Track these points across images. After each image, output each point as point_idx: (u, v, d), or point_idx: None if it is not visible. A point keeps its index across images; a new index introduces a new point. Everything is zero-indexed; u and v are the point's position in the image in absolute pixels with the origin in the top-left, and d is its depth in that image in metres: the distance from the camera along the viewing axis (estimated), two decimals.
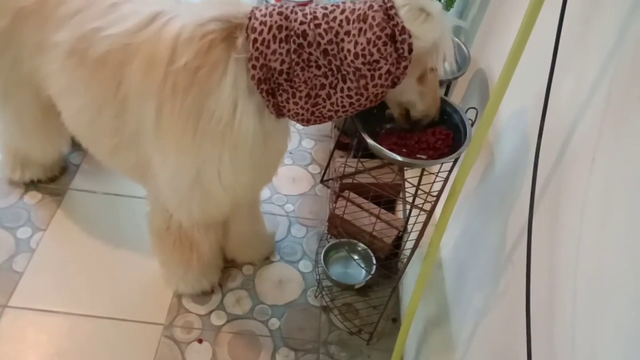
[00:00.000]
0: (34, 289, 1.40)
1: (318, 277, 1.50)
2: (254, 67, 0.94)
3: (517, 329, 0.88)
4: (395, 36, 0.91)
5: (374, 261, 1.49)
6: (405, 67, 0.93)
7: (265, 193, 1.71)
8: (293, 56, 0.94)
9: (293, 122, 1.05)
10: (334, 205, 1.52)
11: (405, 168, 1.56)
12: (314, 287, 1.50)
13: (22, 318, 1.34)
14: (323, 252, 1.49)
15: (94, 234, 1.53)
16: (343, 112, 0.98)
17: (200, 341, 1.35)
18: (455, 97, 1.42)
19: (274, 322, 1.42)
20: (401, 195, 1.61)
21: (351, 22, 0.92)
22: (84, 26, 1.05)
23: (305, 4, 2.35)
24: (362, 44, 0.91)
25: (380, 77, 0.92)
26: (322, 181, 1.67)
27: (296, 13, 0.94)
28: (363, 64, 0.92)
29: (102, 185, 1.66)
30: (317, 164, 1.85)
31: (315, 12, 0.94)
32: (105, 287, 1.42)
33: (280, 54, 0.93)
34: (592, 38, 0.79)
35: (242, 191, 1.13)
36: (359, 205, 1.54)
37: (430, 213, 1.08)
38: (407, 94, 1.00)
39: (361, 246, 1.52)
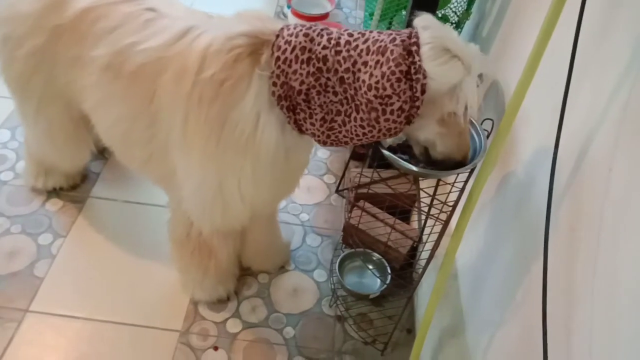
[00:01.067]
0: (55, 295, 1.42)
1: (333, 287, 1.51)
2: (274, 84, 0.96)
3: (534, 341, 0.88)
4: (410, 74, 0.88)
5: (389, 271, 1.49)
6: (418, 107, 0.90)
7: (281, 202, 1.73)
8: (311, 79, 0.94)
9: None
10: (349, 214, 1.53)
11: (420, 178, 1.57)
12: (329, 296, 1.51)
13: (43, 323, 1.36)
14: (338, 261, 1.50)
15: (114, 241, 1.56)
16: (358, 140, 0.98)
17: (215, 348, 1.36)
18: None
19: (289, 331, 1.42)
20: (416, 205, 1.61)
21: (371, 52, 0.91)
22: (120, 42, 1.09)
23: (321, 18, 2.38)
24: (376, 76, 0.89)
25: (392, 112, 0.90)
26: (337, 191, 1.68)
27: (322, 36, 0.94)
28: (375, 97, 0.90)
29: (122, 193, 1.69)
30: (332, 174, 1.86)
31: (340, 37, 0.94)
32: (123, 294, 1.45)
33: (301, 74, 0.94)
34: (608, 50, 0.80)
35: (262, 203, 1.15)
36: (374, 215, 1.55)
37: (446, 223, 1.08)
38: (425, 133, 0.97)
39: (376, 256, 1.52)
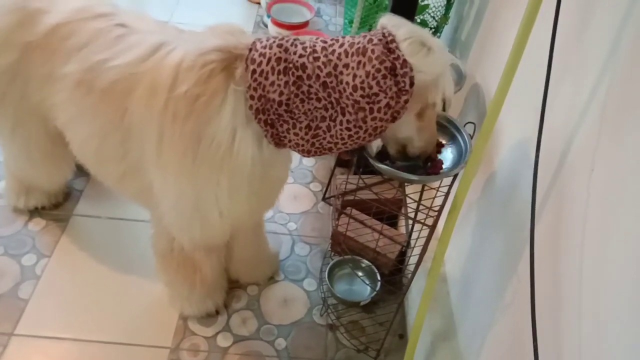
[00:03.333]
0: (40, 316, 1.39)
1: (323, 295, 1.50)
2: (252, 97, 0.96)
3: (524, 340, 0.88)
4: (395, 69, 0.90)
5: (379, 277, 1.49)
6: (406, 102, 0.92)
7: (267, 213, 1.72)
8: (292, 88, 0.94)
9: None
10: (337, 222, 1.53)
11: (406, 184, 1.57)
12: (320, 305, 1.50)
13: (29, 346, 1.34)
14: (327, 269, 1.49)
15: (99, 259, 1.54)
16: (342, 144, 0.98)
17: None
18: (453, 112, 1.43)
19: (281, 342, 1.41)
20: (403, 211, 1.61)
21: (350, 55, 0.92)
22: (91, 58, 1.08)
23: (301, 27, 2.38)
24: (360, 76, 0.91)
25: (379, 110, 0.92)
26: (324, 199, 1.68)
27: (296, 46, 0.95)
28: (362, 96, 0.91)
29: (106, 210, 1.67)
30: (319, 182, 1.86)
31: (314, 45, 0.95)
32: (111, 312, 1.42)
33: (279, 85, 0.94)
34: (585, 50, 0.81)
35: (240, 217, 1.15)
36: (361, 222, 1.55)
37: (432, 228, 1.09)
38: (405, 130, 0.99)
39: (365, 262, 1.52)
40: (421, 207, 1.18)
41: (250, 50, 0.97)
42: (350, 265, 1.53)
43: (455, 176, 1.04)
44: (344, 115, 0.95)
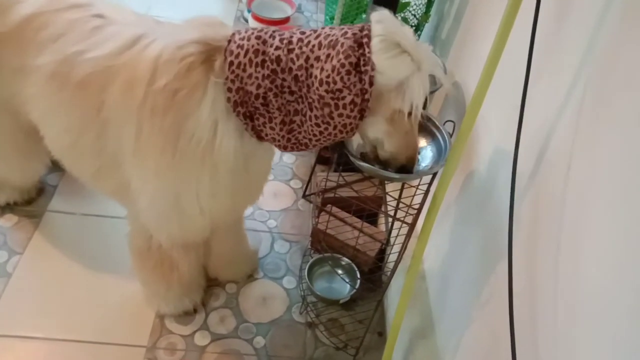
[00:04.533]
0: (12, 315, 1.36)
1: (302, 293, 1.49)
2: (229, 90, 0.94)
3: (502, 338, 0.88)
4: (359, 66, 0.86)
5: (358, 275, 1.49)
6: (368, 100, 0.87)
7: (247, 210, 1.70)
8: (267, 82, 0.92)
9: None
10: (317, 219, 1.52)
11: (386, 182, 1.57)
12: (299, 303, 1.49)
13: (0, 346, 1.30)
14: (307, 267, 1.49)
15: (73, 257, 1.50)
16: (317, 140, 0.95)
17: None
18: (432, 110, 1.44)
19: (259, 341, 1.40)
20: (383, 209, 1.61)
21: (322, 47, 0.89)
22: (66, 50, 1.04)
23: (282, 22, 2.36)
24: (327, 70, 0.87)
25: (344, 107, 0.88)
26: (304, 196, 1.67)
27: (274, 38, 0.93)
28: (327, 91, 0.88)
29: (81, 207, 1.63)
30: (299, 179, 1.85)
31: (292, 36, 0.92)
32: (85, 311, 1.39)
33: (257, 78, 0.92)
34: (563, 49, 0.81)
35: (222, 213, 1.13)
36: (341, 219, 1.54)
37: (412, 226, 1.09)
38: (374, 131, 0.94)
39: (345, 260, 1.52)
40: (401, 205, 1.18)
41: (229, 42, 0.94)
42: (330, 263, 1.53)
43: (434, 174, 1.04)
44: (311, 110, 0.91)
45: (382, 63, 0.85)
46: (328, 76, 0.87)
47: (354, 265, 1.50)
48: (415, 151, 0.97)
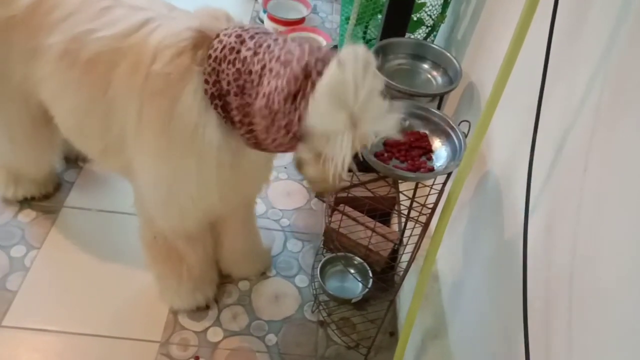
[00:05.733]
0: (29, 308, 1.38)
1: (315, 292, 1.50)
2: (206, 81, 0.95)
3: (515, 339, 0.88)
4: (297, 98, 0.84)
5: (371, 275, 1.49)
6: (298, 131, 0.86)
7: (260, 208, 1.71)
8: (232, 80, 0.91)
9: None
10: (330, 219, 1.52)
11: (399, 181, 1.57)
12: (311, 301, 1.50)
13: (16, 338, 1.32)
14: (319, 266, 1.49)
15: (89, 252, 1.52)
16: (273, 147, 0.94)
17: (197, 358, 1.34)
18: (448, 110, 1.44)
19: (271, 338, 1.41)
20: (396, 208, 1.61)
21: (279, 61, 0.87)
22: (76, 28, 1.06)
23: (297, 23, 2.37)
24: (271, 87, 0.86)
25: (278, 128, 0.88)
26: (317, 195, 1.67)
27: (252, 39, 0.92)
28: (265, 106, 0.87)
29: (97, 203, 1.65)
30: None
31: (265, 40, 0.92)
32: (100, 305, 1.41)
33: (227, 74, 0.92)
34: (580, 50, 0.81)
35: (212, 205, 1.13)
36: (354, 219, 1.54)
37: (426, 225, 1.09)
38: (302, 152, 0.93)
39: (357, 260, 1.52)
40: (414, 204, 1.18)
41: (217, 35, 0.95)
42: (343, 262, 1.53)
43: (449, 174, 1.04)
44: (254, 117, 0.92)
45: (315, 109, 0.81)
46: (270, 93, 0.87)
47: (367, 265, 1.50)
48: (328, 184, 0.93)
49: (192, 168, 1.03)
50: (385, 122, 0.83)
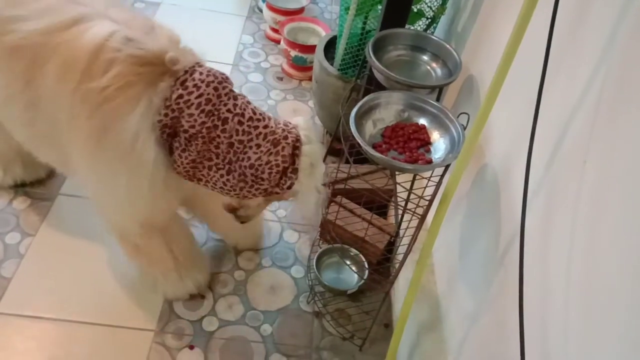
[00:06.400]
0: (23, 295, 1.38)
1: (310, 283, 1.50)
2: (166, 115, 0.98)
3: (510, 333, 0.88)
4: (287, 172, 1.06)
5: (366, 266, 1.49)
6: (278, 193, 1.08)
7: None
8: (203, 129, 1.00)
9: None
10: (326, 210, 1.52)
11: (397, 173, 1.57)
12: (306, 292, 1.50)
13: (11, 325, 1.32)
14: (315, 257, 1.49)
15: (84, 239, 1.52)
16: (212, 188, 1.08)
17: (191, 347, 1.34)
18: (447, 102, 1.43)
19: (266, 328, 1.41)
20: (393, 200, 1.61)
21: (266, 140, 1.03)
22: (4, 10, 1.01)
23: (296, 13, 2.35)
24: (262, 161, 1.03)
25: (257, 190, 1.07)
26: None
27: (229, 98, 1.01)
28: (252, 174, 1.05)
29: None
30: None
31: (245, 110, 1.03)
32: (95, 293, 1.41)
33: (195, 120, 0.99)
34: (581, 43, 0.80)
35: (146, 212, 1.15)
36: (351, 211, 1.55)
37: (422, 217, 1.09)
38: (252, 202, 1.14)
39: (353, 251, 1.52)
40: (412, 196, 1.18)
41: (187, 73, 0.98)
42: (339, 254, 1.53)
43: (447, 166, 1.04)
44: (228, 174, 1.05)
45: (302, 177, 1.07)
46: (260, 165, 1.04)
47: (362, 257, 1.50)
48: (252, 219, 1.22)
49: (121, 178, 1.04)
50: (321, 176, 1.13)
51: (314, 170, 1.07)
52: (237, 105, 1.02)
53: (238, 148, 1.02)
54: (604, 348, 0.64)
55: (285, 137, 1.04)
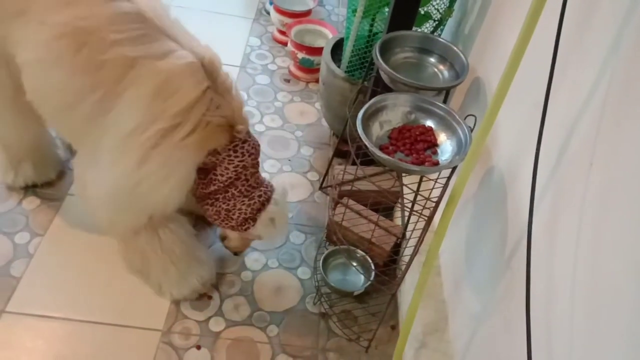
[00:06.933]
0: (32, 294, 1.39)
1: (317, 284, 1.50)
2: (210, 161, 1.20)
3: (517, 335, 0.88)
4: (255, 218, 1.30)
5: (373, 268, 1.49)
6: (247, 229, 1.32)
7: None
8: (227, 181, 1.24)
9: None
10: (333, 212, 1.52)
11: (403, 174, 1.57)
12: (313, 293, 1.50)
13: (20, 323, 1.33)
14: (322, 258, 1.49)
15: (93, 240, 1.53)
16: (213, 214, 1.32)
17: (198, 347, 1.35)
18: (454, 104, 1.43)
19: (273, 329, 1.42)
20: (400, 202, 1.61)
21: (253, 203, 1.30)
22: (91, 23, 1.08)
23: (303, 15, 2.36)
24: (236, 207, 1.28)
25: (227, 224, 1.32)
26: (320, 188, 1.68)
27: (254, 168, 1.26)
28: (225, 213, 1.30)
29: None
30: (316, 171, 1.86)
31: (255, 177, 1.29)
32: (103, 293, 1.42)
33: (228, 174, 1.23)
34: (587, 45, 0.80)
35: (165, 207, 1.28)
36: (357, 212, 1.55)
37: (429, 219, 1.09)
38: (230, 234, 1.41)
39: (360, 253, 1.52)
40: (418, 198, 1.18)
41: (240, 141, 1.21)
42: (345, 255, 1.53)
43: (454, 168, 1.04)
44: (211, 206, 1.31)
45: (259, 226, 1.32)
46: (234, 208, 1.29)
47: (369, 258, 1.50)
48: (242, 249, 1.48)
49: (171, 181, 1.21)
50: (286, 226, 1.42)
51: (272, 223, 1.32)
52: (253, 174, 1.27)
53: (230, 196, 1.27)
54: (609, 349, 0.64)
55: (260, 196, 1.29)
